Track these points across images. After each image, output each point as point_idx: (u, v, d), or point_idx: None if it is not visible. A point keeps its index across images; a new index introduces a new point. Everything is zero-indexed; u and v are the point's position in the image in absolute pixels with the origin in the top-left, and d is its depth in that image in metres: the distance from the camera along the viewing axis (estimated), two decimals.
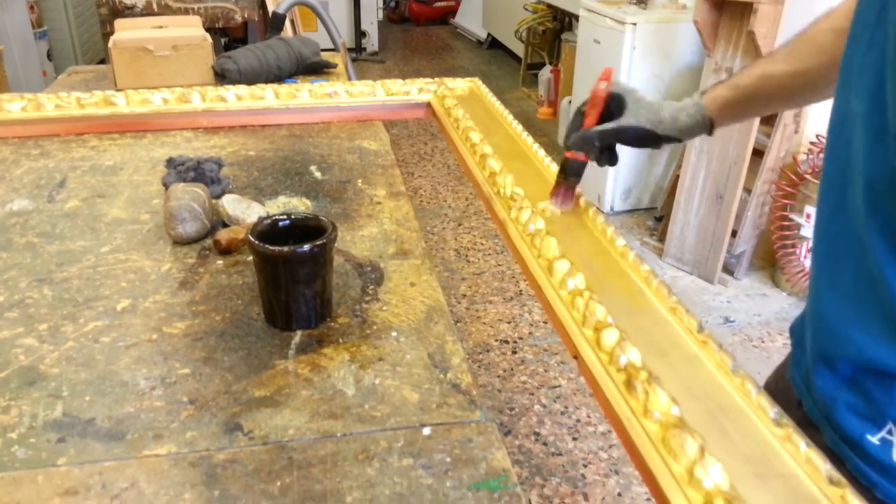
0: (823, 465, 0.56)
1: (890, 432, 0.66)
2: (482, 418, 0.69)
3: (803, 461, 0.57)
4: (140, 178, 1.22)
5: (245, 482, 0.62)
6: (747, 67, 0.88)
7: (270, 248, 0.77)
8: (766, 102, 0.91)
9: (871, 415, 0.67)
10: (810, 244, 0.76)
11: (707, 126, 0.89)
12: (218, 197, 1.08)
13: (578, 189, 0.98)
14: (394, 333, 0.81)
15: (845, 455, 0.69)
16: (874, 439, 0.66)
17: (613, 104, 0.91)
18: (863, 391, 0.67)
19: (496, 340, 2.51)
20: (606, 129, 0.90)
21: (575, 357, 0.74)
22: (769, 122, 2.59)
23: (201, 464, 0.64)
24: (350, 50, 6.00)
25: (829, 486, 0.54)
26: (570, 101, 3.71)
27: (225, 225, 1.02)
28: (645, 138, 0.90)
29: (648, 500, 1.87)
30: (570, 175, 0.95)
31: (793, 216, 2.59)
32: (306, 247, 0.77)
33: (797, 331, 0.81)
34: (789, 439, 0.59)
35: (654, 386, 0.62)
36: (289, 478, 0.62)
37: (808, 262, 2.62)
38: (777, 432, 0.60)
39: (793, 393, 0.79)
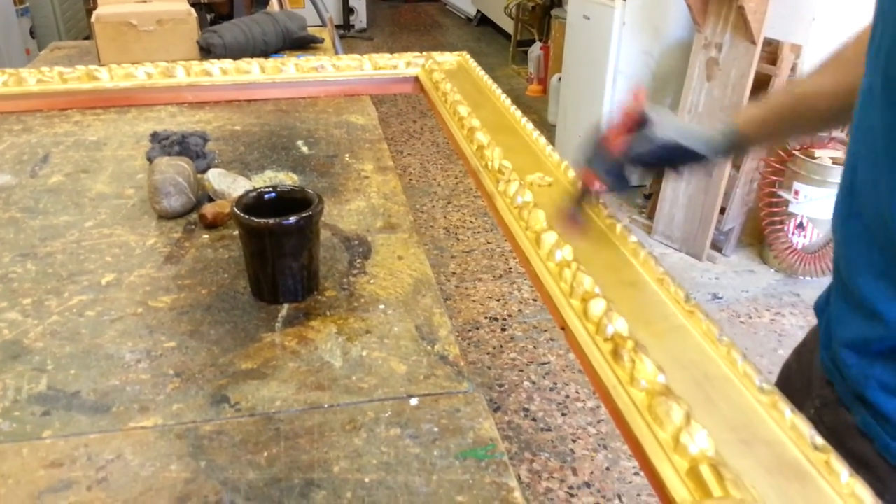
0: (808, 431, 0.56)
1: None
2: (469, 389, 0.69)
3: (788, 428, 0.57)
4: (124, 152, 1.21)
5: (232, 453, 0.61)
6: (782, 89, 0.85)
7: (256, 220, 0.76)
8: (804, 124, 0.84)
9: None
10: (835, 221, 0.75)
11: (740, 145, 0.83)
12: (203, 171, 1.06)
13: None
14: (381, 306, 0.81)
15: (875, 433, 0.68)
16: None
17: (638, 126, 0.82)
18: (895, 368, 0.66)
19: (485, 318, 2.51)
20: (642, 154, 0.81)
21: (562, 328, 0.74)
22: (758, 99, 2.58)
23: (187, 435, 0.63)
24: (338, 27, 5.94)
25: (814, 451, 0.55)
26: (559, 79, 3.69)
27: (210, 199, 1.01)
28: (684, 157, 0.82)
29: (636, 473, 1.89)
30: (585, 202, 0.87)
31: (781, 193, 2.60)
32: (292, 219, 0.76)
33: (822, 310, 0.79)
34: (775, 406, 0.59)
35: (641, 355, 0.62)
36: (276, 448, 0.62)
37: (796, 239, 2.63)
38: (762, 399, 0.60)
39: (817, 373, 0.77)
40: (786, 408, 0.58)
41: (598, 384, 0.64)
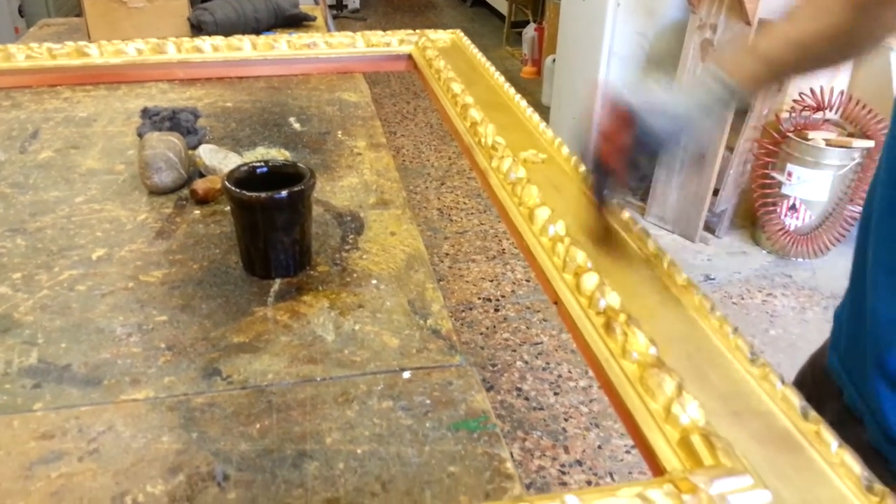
0: (799, 402, 0.56)
1: None
2: (462, 363, 0.69)
3: (779, 399, 0.57)
4: (115, 129, 1.19)
5: (224, 425, 0.61)
6: (765, 33, 0.73)
7: (247, 194, 0.76)
8: (797, 68, 0.76)
9: None
10: (859, 223, 0.70)
11: (736, 103, 0.74)
12: (194, 147, 1.06)
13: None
14: (374, 281, 0.81)
15: (889, 453, 0.67)
16: None
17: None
18: None
19: (479, 298, 2.52)
20: (647, 166, 0.75)
21: (555, 303, 0.74)
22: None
23: (179, 407, 0.63)
24: (330, 7, 5.88)
25: (804, 421, 0.55)
26: (553, 60, 3.67)
27: (201, 175, 1.00)
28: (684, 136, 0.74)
29: (627, 452, 1.90)
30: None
31: (774, 174, 2.60)
32: (284, 193, 0.76)
33: (839, 317, 0.77)
34: (766, 378, 0.59)
35: (633, 328, 0.62)
36: (268, 420, 0.62)
37: (788, 220, 2.64)
38: (753, 371, 0.60)
39: (831, 382, 0.76)
40: (776, 379, 0.58)
41: (590, 358, 0.65)
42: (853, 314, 0.73)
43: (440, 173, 3.39)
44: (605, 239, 0.78)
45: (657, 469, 0.52)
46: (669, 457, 0.51)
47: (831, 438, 0.53)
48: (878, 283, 0.68)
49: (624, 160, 0.73)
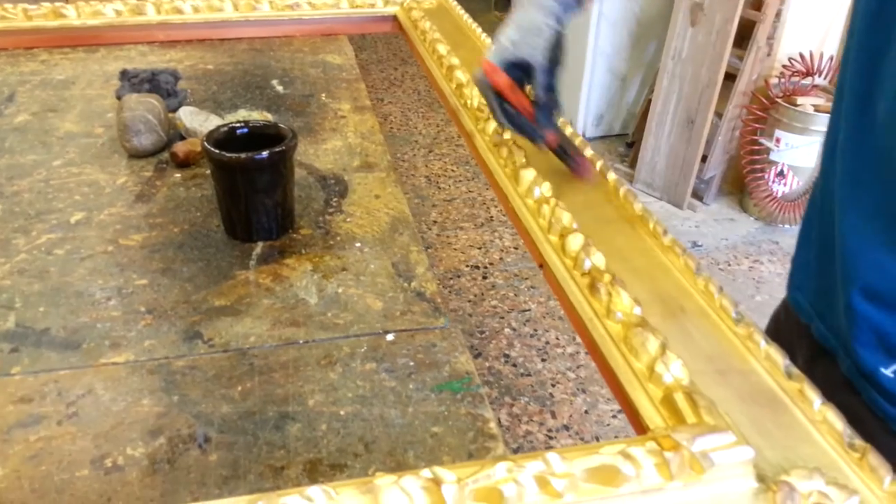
0: (782, 361, 0.56)
1: None
2: (446, 324, 0.68)
3: (763, 358, 0.57)
4: (93, 91, 1.17)
5: (205, 387, 0.61)
6: None
7: (227, 155, 0.74)
8: None
9: (884, 347, 0.64)
10: (820, 164, 0.71)
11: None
12: (174, 110, 1.03)
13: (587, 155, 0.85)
14: (357, 244, 0.80)
15: (861, 386, 0.66)
16: (888, 372, 0.64)
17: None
18: (875, 323, 0.64)
19: (467, 266, 2.51)
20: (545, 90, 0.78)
21: (540, 265, 0.73)
22: (742, 44, 2.56)
23: (160, 371, 0.63)
24: None
25: (788, 380, 0.55)
26: None
27: (182, 137, 0.99)
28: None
29: (614, 416, 1.92)
30: (565, 152, 0.83)
31: (763, 140, 2.59)
32: (265, 153, 0.75)
33: (802, 255, 0.77)
34: (750, 338, 0.59)
35: (618, 288, 0.62)
36: (250, 382, 0.61)
37: (776, 187, 2.64)
38: (738, 331, 0.60)
39: (801, 321, 0.76)
40: (760, 339, 0.58)
41: (575, 319, 0.64)
42: (821, 249, 0.72)
43: (428, 140, 3.36)
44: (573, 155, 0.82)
45: (640, 428, 0.52)
46: (652, 415, 0.51)
47: (814, 396, 0.53)
48: (845, 205, 0.67)
49: (524, 102, 0.78)
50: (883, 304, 0.63)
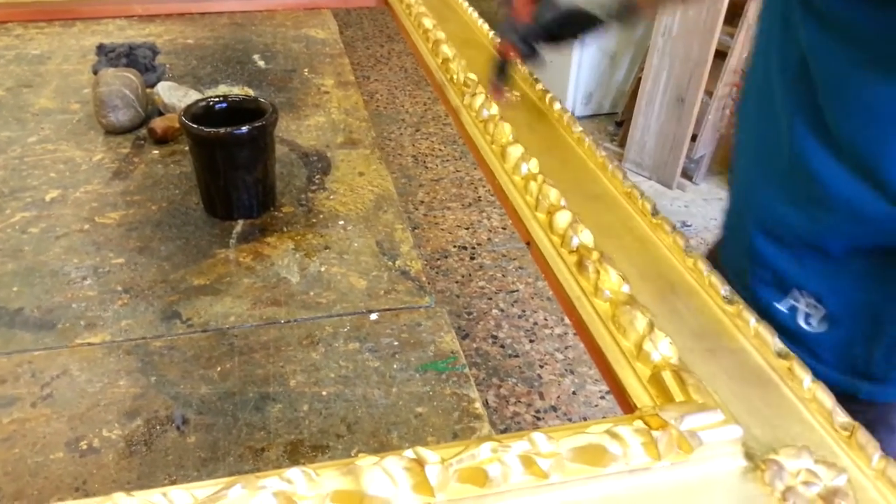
0: (773, 340, 0.55)
1: (796, 299, 0.67)
2: (431, 303, 0.67)
3: (752, 336, 0.56)
4: (70, 67, 1.14)
5: (183, 368, 0.59)
6: None
7: (205, 130, 0.72)
8: None
9: (778, 283, 0.68)
10: (737, 107, 0.78)
11: (631, 9, 0.76)
12: (152, 85, 1.01)
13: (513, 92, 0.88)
14: (341, 222, 0.78)
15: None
16: (781, 306, 0.68)
17: None
18: (771, 261, 0.68)
19: (454, 246, 2.50)
20: (548, 22, 0.79)
21: (527, 243, 0.72)
22: (733, 22, 2.54)
23: (137, 351, 0.61)
24: None
25: (777, 359, 0.54)
26: None
27: (160, 113, 0.96)
28: (585, 23, 0.79)
29: (602, 397, 1.92)
30: (503, 73, 0.85)
31: None
32: (244, 128, 0.73)
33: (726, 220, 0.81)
34: (739, 316, 0.58)
35: (606, 265, 0.60)
36: (229, 363, 0.60)
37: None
38: (728, 310, 0.59)
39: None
40: (750, 317, 0.57)
41: (562, 297, 0.63)
42: (731, 207, 0.75)
43: (415, 119, 3.32)
44: (501, 80, 0.84)
45: (628, 407, 0.51)
46: (640, 394, 0.50)
47: (803, 374, 0.52)
48: (744, 152, 0.71)
49: (532, 16, 0.79)
50: (780, 243, 0.67)
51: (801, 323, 0.67)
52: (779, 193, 0.66)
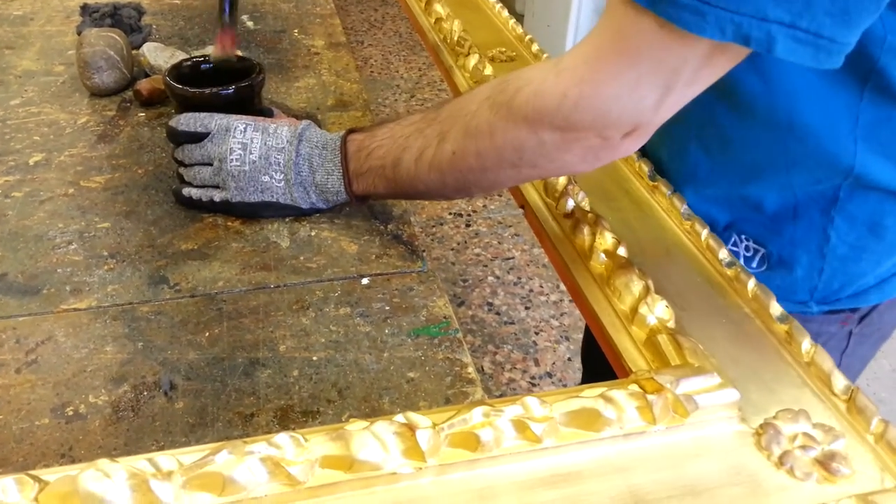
0: (771, 304, 0.54)
1: (735, 244, 0.68)
2: (424, 268, 0.66)
3: (750, 300, 0.56)
4: (53, 28, 1.11)
5: (171, 333, 0.58)
6: (403, 145, 0.60)
7: (190, 90, 0.70)
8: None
9: (716, 232, 0.68)
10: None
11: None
12: (138, 47, 0.98)
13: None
14: None
15: None
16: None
17: None
18: (706, 218, 0.67)
19: (450, 213, 2.48)
20: None
21: (521, 206, 0.71)
22: None
23: (123, 316, 0.60)
24: None
25: (776, 323, 0.53)
26: None
27: (146, 75, 0.94)
28: None
29: None
30: (229, 13, 0.79)
31: None
32: (230, 88, 0.71)
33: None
34: (737, 279, 0.57)
35: (601, 228, 0.59)
36: (218, 328, 0.59)
37: None
38: (726, 273, 0.58)
39: None
40: (748, 280, 0.56)
41: (556, 261, 0.62)
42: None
43: (410, 85, 3.28)
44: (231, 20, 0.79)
45: (623, 371, 0.50)
46: (636, 358, 0.49)
47: (802, 338, 0.51)
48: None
49: None
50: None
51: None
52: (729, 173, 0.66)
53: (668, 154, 0.71)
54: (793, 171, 0.61)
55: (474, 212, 2.50)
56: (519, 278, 2.23)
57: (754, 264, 0.68)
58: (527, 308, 2.11)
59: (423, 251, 0.68)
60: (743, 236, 0.68)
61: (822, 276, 0.66)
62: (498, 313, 2.09)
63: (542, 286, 2.19)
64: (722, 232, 0.69)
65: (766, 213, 0.65)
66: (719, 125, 0.64)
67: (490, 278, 2.22)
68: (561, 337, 2.01)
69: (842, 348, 0.72)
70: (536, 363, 1.93)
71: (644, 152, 0.73)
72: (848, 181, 0.60)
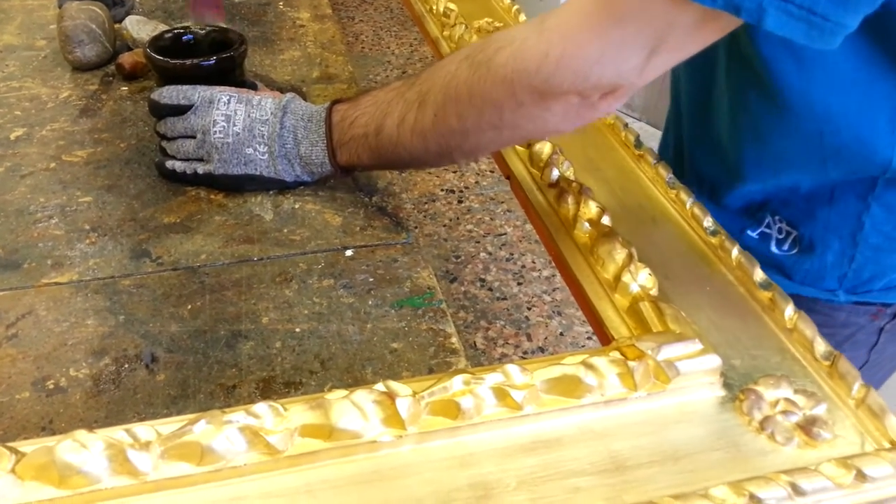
0: (755, 271, 0.54)
1: (768, 226, 0.68)
2: (408, 239, 0.65)
3: (734, 267, 0.55)
4: (34, 2, 1.09)
5: (153, 306, 0.58)
6: (388, 111, 0.59)
7: (171, 62, 0.69)
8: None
9: (750, 212, 0.68)
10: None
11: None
12: (120, 20, 0.97)
13: None
14: None
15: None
16: (754, 234, 0.69)
17: None
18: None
19: (442, 190, 2.47)
20: None
21: (507, 177, 0.70)
22: None
23: (105, 290, 0.59)
24: None
25: (759, 290, 0.53)
26: None
27: (129, 49, 0.92)
28: None
29: (589, 338, 1.93)
30: None
31: None
32: (212, 59, 0.69)
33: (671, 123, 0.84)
34: (721, 247, 0.57)
35: (585, 197, 0.59)
36: (200, 301, 0.58)
37: None
38: (710, 241, 0.58)
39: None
40: (732, 248, 0.56)
41: (541, 230, 0.62)
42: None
43: (401, 61, 3.25)
44: None
45: (606, 340, 0.50)
46: (618, 325, 0.49)
47: (785, 304, 0.51)
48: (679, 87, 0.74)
49: None
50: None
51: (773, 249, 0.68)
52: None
53: (700, 150, 0.71)
54: (828, 163, 0.60)
55: (466, 188, 2.49)
56: (511, 254, 2.22)
57: (785, 247, 0.67)
58: (519, 284, 2.11)
59: (409, 223, 0.67)
60: (777, 217, 0.67)
61: (852, 263, 0.64)
62: (490, 289, 2.09)
63: (534, 262, 2.19)
64: (756, 212, 0.68)
65: (802, 194, 0.64)
66: (752, 113, 0.62)
67: (482, 254, 2.22)
68: (553, 312, 2.02)
69: (871, 343, 0.70)
70: (529, 338, 1.94)
71: (675, 148, 0.74)
72: (886, 175, 0.59)
